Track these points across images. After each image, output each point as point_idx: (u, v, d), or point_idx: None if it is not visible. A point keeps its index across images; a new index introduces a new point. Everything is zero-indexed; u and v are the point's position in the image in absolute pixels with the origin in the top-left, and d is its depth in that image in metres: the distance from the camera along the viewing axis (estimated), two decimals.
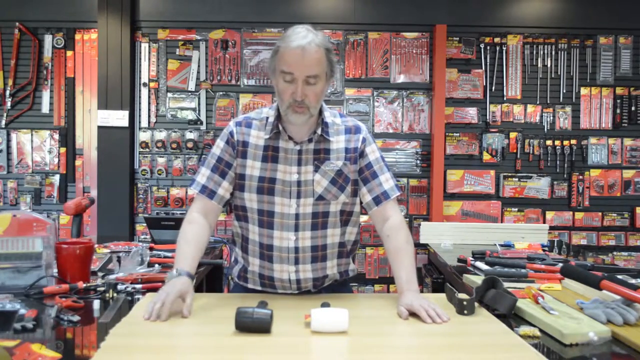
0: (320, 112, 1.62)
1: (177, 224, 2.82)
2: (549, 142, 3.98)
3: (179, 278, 1.45)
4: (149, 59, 3.96)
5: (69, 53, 3.95)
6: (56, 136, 3.95)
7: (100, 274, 1.91)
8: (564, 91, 4.00)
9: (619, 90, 4.00)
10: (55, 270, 1.72)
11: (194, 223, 1.62)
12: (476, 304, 1.48)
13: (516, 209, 4.00)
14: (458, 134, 3.99)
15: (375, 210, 1.66)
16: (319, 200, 1.60)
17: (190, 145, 3.91)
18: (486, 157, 4.01)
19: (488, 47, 4.00)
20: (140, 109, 3.96)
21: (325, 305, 1.40)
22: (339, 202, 1.63)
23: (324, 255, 1.64)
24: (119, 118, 3.83)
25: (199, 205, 1.65)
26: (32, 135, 3.94)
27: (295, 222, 1.60)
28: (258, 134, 1.63)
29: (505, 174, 4.00)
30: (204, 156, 3.92)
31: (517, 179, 3.98)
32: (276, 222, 1.60)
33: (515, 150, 3.99)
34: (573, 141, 3.98)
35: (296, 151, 1.60)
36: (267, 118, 1.63)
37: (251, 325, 1.26)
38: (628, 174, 4.00)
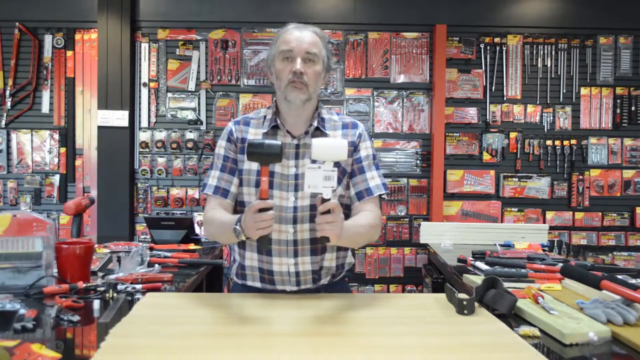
0: (317, 108, 1.67)
1: (177, 224, 2.84)
2: (549, 142, 3.97)
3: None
4: (149, 59, 3.96)
5: (69, 53, 3.95)
6: (56, 136, 3.95)
7: (100, 274, 1.91)
8: (564, 91, 4.00)
9: (619, 90, 4.00)
10: (55, 270, 1.72)
11: (215, 209, 1.64)
12: (476, 304, 1.48)
13: (516, 209, 4.00)
14: (458, 134, 3.98)
15: (356, 205, 1.68)
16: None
17: (190, 145, 3.91)
18: (486, 157, 4.00)
19: (488, 47, 4.00)
20: (140, 109, 3.96)
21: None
22: (336, 195, 1.64)
23: (323, 247, 1.66)
24: (119, 118, 3.83)
25: (213, 203, 1.66)
26: (32, 135, 3.94)
27: (293, 215, 1.62)
28: (256, 131, 1.68)
29: (505, 174, 4.00)
30: (205, 158, 3.92)
31: (517, 179, 3.98)
32: (274, 216, 1.61)
33: (515, 150, 3.99)
34: (573, 141, 3.98)
35: (294, 145, 1.64)
36: (265, 116, 1.69)
37: (262, 152, 1.35)
38: (628, 174, 4.00)
